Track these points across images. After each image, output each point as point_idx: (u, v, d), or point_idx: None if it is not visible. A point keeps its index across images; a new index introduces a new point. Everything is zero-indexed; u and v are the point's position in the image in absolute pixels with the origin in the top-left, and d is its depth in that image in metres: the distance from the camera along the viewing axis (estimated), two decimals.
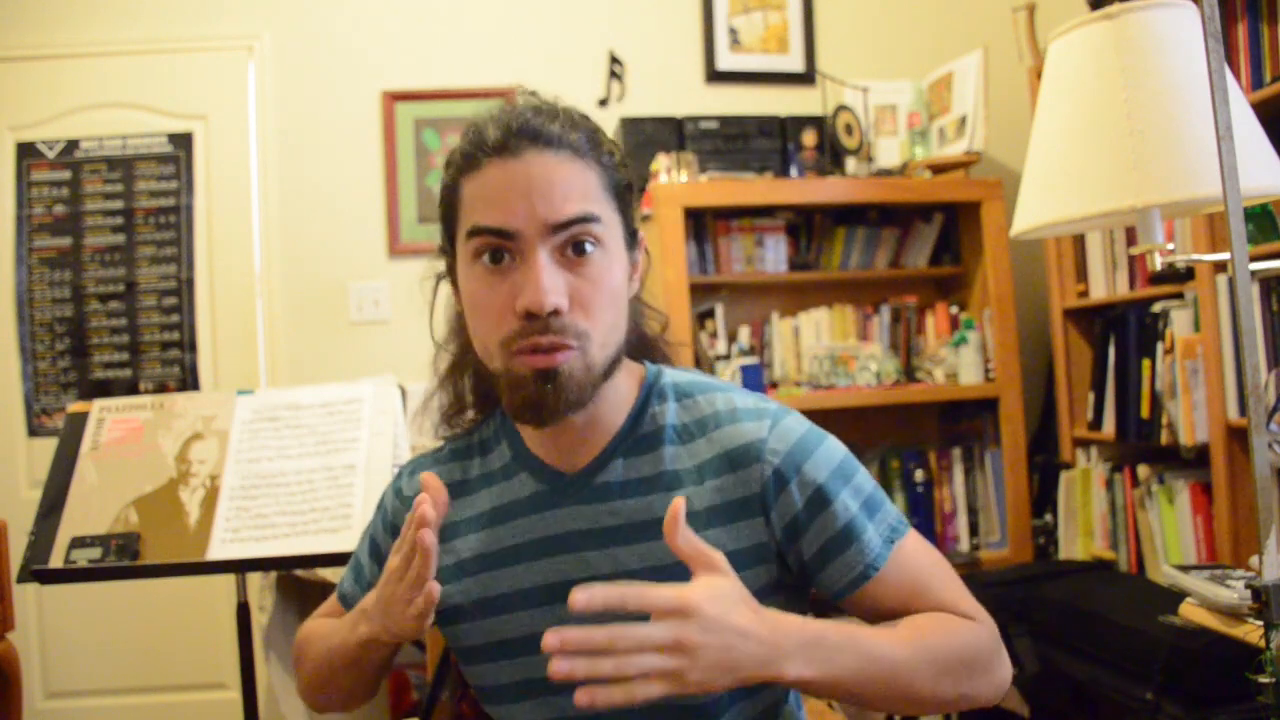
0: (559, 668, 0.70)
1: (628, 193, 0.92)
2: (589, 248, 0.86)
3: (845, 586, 0.88)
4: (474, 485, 0.97)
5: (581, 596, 0.71)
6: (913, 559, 0.90)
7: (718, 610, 0.74)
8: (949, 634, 0.86)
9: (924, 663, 0.83)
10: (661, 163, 2.63)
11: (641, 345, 1.00)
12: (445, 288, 1.01)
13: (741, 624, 0.75)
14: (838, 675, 0.79)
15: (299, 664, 1.04)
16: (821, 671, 0.78)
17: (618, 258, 0.89)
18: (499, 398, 0.96)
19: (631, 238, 0.93)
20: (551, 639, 0.70)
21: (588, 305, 0.85)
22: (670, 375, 0.97)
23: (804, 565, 0.90)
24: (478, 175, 0.87)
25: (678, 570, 0.82)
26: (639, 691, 0.71)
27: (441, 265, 1.00)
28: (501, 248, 0.85)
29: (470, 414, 1.03)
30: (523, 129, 0.86)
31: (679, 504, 0.77)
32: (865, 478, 0.91)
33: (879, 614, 0.90)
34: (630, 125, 2.74)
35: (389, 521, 1.02)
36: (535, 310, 0.82)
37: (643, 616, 0.73)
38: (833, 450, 0.91)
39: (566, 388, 0.84)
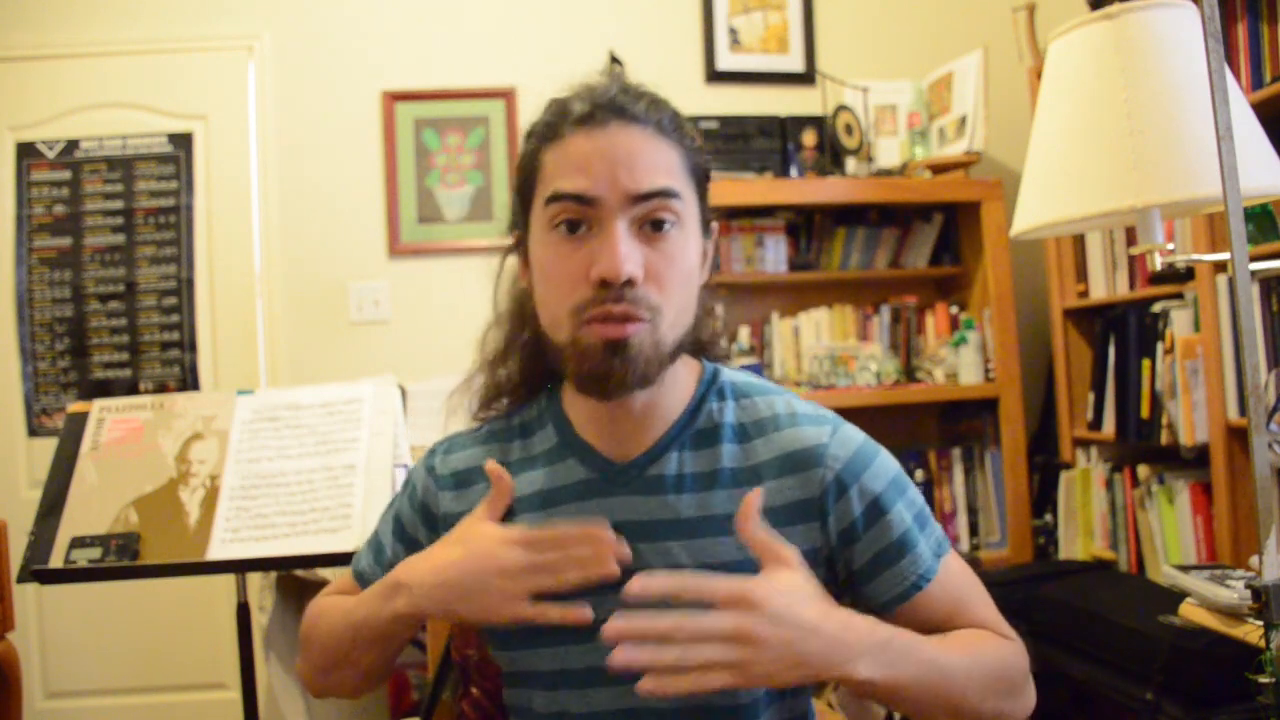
0: (621, 657, 0.72)
1: (705, 180, 0.93)
2: (667, 225, 0.85)
3: (895, 598, 0.89)
4: (514, 468, 0.95)
5: (638, 585, 0.73)
6: (955, 576, 0.91)
7: (784, 603, 0.74)
8: (995, 652, 0.88)
9: (975, 676, 0.84)
10: None
11: (698, 343, 0.99)
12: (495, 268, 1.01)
13: (810, 619, 0.75)
14: (900, 679, 0.79)
15: (308, 642, 0.99)
16: (887, 674, 0.79)
17: (694, 239, 0.89)
18: (550, 378, 0.98)
19: (705, 226, 0.93)
20: (613, 628, 0.72)
21: (662, 280, 0.84)
22: (728, 375, 0.97)
23: (853, 574, 0.90)
24: (560, 144, 0.86)
25: (730, 570, 0.83)
26: (705, 681, 0.72)
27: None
28: (580, 217, 0.84)
29: (508, 400, 1.01)
30: (609, 103, 0.86)
31: (754, 497, 0.79)
32: (916, 493, 0.93)
33: (921, 629, 0.90)
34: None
35: (418, 500, 0.99)
36: (610, 278, 0.81)
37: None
38: (888, 462, 0.92)
39: (635, 361, 0.83)
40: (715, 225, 0.95)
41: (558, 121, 0.87)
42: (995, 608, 0.94)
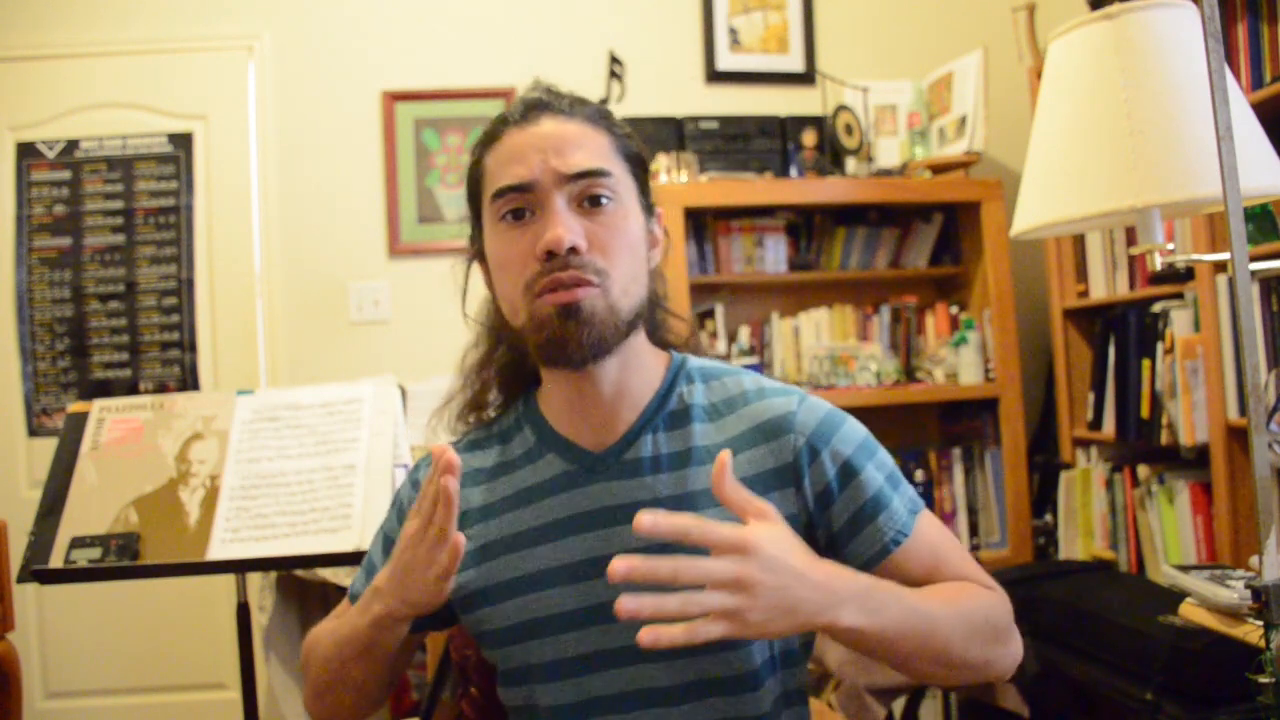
0: (627, 605, 0.69)
1: (641, 165, 0.97)
2: (604, 199, 0.90)
3: (875, 555, 0.91)
4: (494, 472, 0.98)
5: (648, 520, 0.72)
6: (932, 532, 0.94)
7: (777, 550, 0.74)
8: (976, 600, 0.90)
9: (958, 623, 0.86)
10: (661, 163, 2.63)
11: (670, 344, 1.04)
12: (473, 276, 1.04)
13: (799, 566, 0.76)
14: (884, 626, 0.80)
15: (306, 669, 1.01)
16: (871, 621, 0.79)
17: (634, 215, 0.93)
18: (525, 387, 1.01)
19: (648, 210, 0.97)
20: (619, 566, 0.70)
21: (606, 248, 0.89)
22: (695, 361, 1.00)
23: (833, 538, 0.92)
24: (498, 146, 0.93)
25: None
26: (701, 632, 0.71)
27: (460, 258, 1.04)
28: (522, 205, 0.89)
29: (489, 412, 1.04)
30: (536, 102, 0.94)
31: (725, 456, 0.77)
32: (886, 455, 0.95)
33: (903, 585, 0.92)
34: (630, 125, 2.74)
35: (405, 514, 1.00)
36: (554, 248, 0.86)
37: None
38: (856, 427, 0.95)
39: (590, 324, 0.86)
40: (660, 211, 1.00)
41: (496, 128, 0.94)
42: (974, 561, 0.96)
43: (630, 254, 0.91)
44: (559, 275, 0.86)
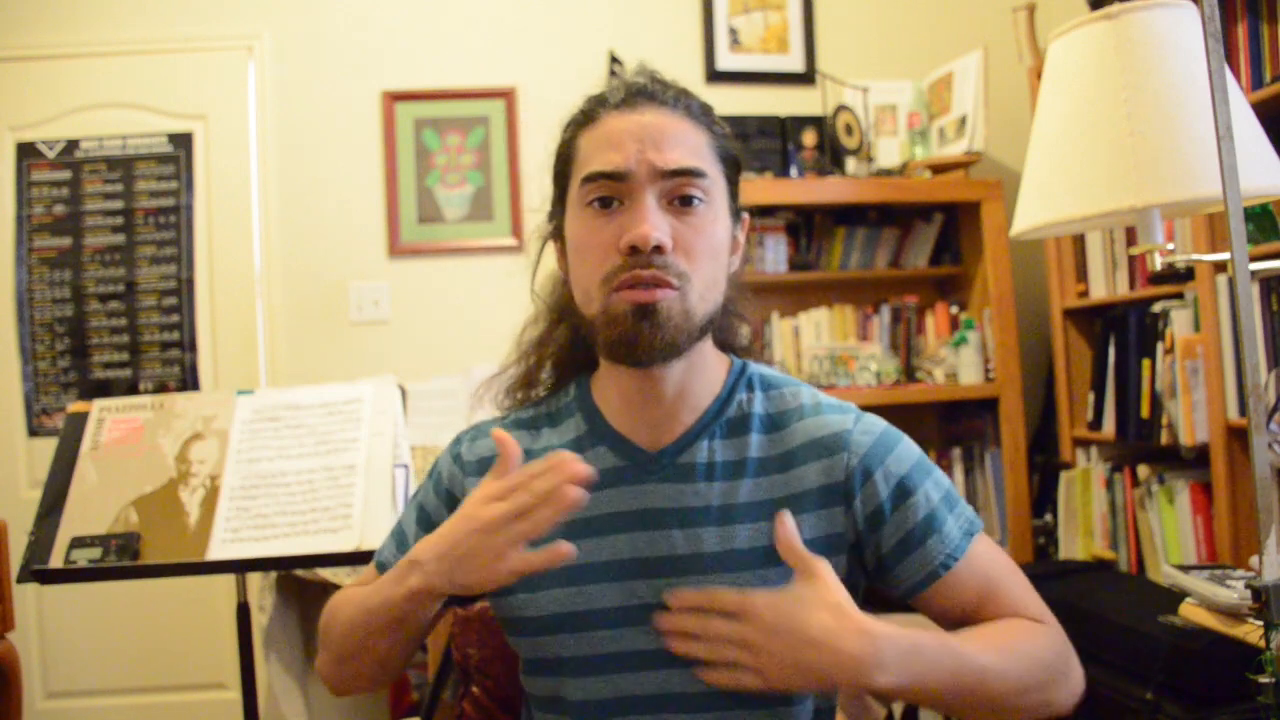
0: (676, 645, 0.82)
1: (735, 167, 0.95)
2: (695, 200, 0.88)
3: (924, 579, 0.89)
4: (540, 455, 0.94)
5: (675, 599, 0.82)
6: (986, 556, 0.91)
7: (777, 618, 0.77)
8: (1031, 642, 0.87)
9: (1012, 673, 0.83)
10: None
11: (732, 344, 1.02)
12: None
13: (810, 633, 0.77)
14: (930, 685, 0.79)
15: (326, 635, 0.98)
16: (914, 681, 0.79)
17: (722, 219, 0.91)
18: (580, 370, 0.99)
19: (735, 215, 0.96)
20: (663, 622, 0.82)
21: (690, 250, 0.87)
22: (756, 368, 0.99)
23: (881, 560, 0.91)
24: (594, 128, 0.91)
25: (753, 555, 0.87)
26: (737, 679, 0.79)
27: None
28: (612, 193, 0.88)
29: (538, 391, 1.03)
30: (641, 89, 0.92)
31: (786, 519, 0.81)
32: (942, 475, 0.94)
33: (951, 612, 0.91)
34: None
35: (443, 489, 0.99)
36: (639, 244, 0.84)
37: None
38: (912, 446, 0.94)
39: (664, 327, 0.85)
40: (746, 216, 0.98)
41: (593, 108, 0.92)
42: (1030, 588, 0.93)
43: (713, 259, 0.89)
44: (639, 273, 0.84)
